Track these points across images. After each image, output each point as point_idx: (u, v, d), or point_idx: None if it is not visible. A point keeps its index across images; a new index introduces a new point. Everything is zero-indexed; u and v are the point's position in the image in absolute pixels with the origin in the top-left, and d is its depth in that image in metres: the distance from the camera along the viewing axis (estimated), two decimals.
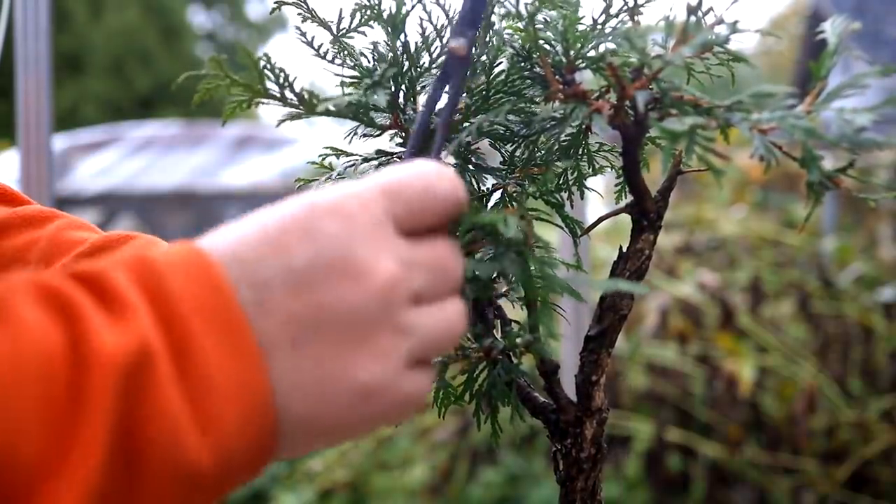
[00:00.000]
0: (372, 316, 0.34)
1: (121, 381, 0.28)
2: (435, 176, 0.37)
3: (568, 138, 0.55)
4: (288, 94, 0.45)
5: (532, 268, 0.43)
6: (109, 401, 0.28)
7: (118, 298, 0.30)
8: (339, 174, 0.55)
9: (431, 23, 0.52)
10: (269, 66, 0.44)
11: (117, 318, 0.30)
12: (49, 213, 0.57)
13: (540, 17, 0.48)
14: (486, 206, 0.54)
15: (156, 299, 0.31)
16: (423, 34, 0.52)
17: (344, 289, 0.33)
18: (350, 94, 0.47)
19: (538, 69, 0.51)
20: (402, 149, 0.53)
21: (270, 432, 0.32)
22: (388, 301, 0.34)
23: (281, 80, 0.45)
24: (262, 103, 0.47)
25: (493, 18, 0.51)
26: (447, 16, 0.53)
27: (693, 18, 0.46)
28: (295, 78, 0.45)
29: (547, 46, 0.49)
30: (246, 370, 0.31)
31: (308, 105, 0.45)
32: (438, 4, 0.52)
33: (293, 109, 0.47)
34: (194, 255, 0.32)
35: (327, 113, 0.47)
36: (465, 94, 0.52)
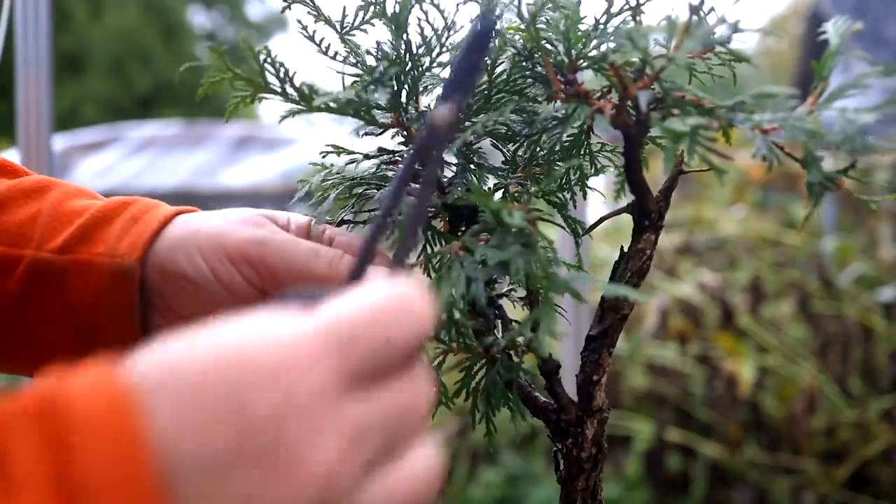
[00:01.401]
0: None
1: None
2: (397, 311, 0.31)
3: (570, 138, 0.55)
4: (289, 88, 0.45)
5: (537, 259, 0.43)
6: None
7: (13, 479, 0.26)
8: (338, 172, 0.55)
9: (429, 23, 0.52)
10: (269, 59, 0.44)
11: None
12: (46, 183, 0.56)
13: (542, 17, 0.48)
14: None
15: (61, 477, 0.26)
16: (422, 35, 0.52)
17: (273, 482, 0.28)
18: (351, 90, 0.47)
19: (540, 69, 0.51)
20: (404, 147, 0.53)
21: None
22: (325, 493, 0.29)
23: (282, 75, 0.45)
24: (264, 98, 0.47)
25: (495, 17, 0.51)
26: (444, 19, 0.53)
27: (695, 18, 0.46)
28: (295, 72, 0.45)
29: (549, 46, 0.49)
30: None
31: (307, 99, 0.45)
32: (435, 6, 0.52)
33: (294, 105, 0.47)
34: (119, 415, 0.27)
35: (328, 109, 0.47)
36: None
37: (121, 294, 0.51)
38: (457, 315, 0.48)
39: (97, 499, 0.26)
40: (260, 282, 0.51)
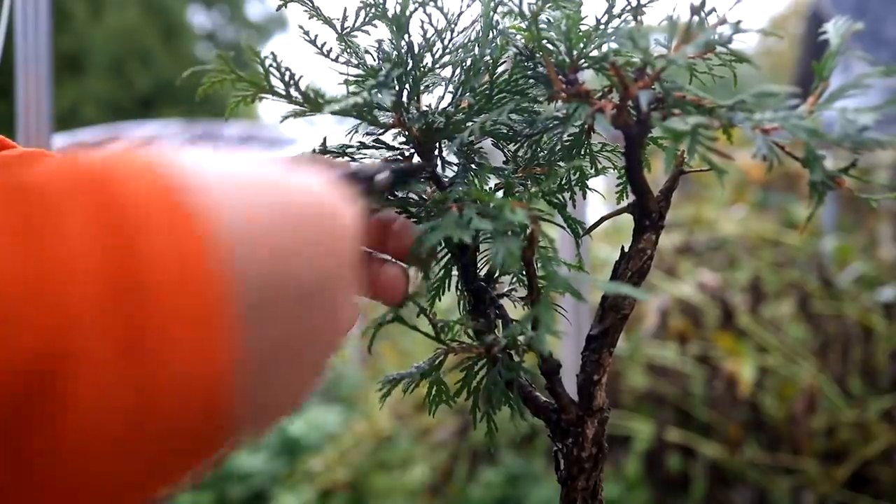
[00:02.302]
0: (331, 346, 0.35)
1: (26, 386, 0.24)
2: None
3: (570, 138, 0.55)
4: (293, 92, 0.45)
5: (515, 247, 0.43)
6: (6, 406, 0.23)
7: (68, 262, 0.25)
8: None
9: (432, 25, 0.52)
10: (274, 63, 0.45)
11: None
12: (35, 153, 0.55)
13: (543, 16, 0.48)
14: None
15: (115, 253, 0.26)
16: (424, 35, 0.52)
17: (331, 331, 0.34)
18: (356, 93, 0.47)
19: (541, 69, 0.51)
20: (405, 147, 0.53)
21: (223, 434, 0.29)
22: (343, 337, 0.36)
23: (286, 79, 0.45)
24: (266, 99, 0.47)
25: (497, 17, 0.51)
26: (447, 19, 0.53)
27: (696, 18, 0.46)
28: (300, 76, 0.45)
29: (550, 46, 0.49)
30: (213, 378, 0.27)
31: (314, 104, 0.45)
32: (438, 8, 0.52)
33: (297, 107, 0.47)
34: (181, 213, 0.27)
35: (333, 112, 0.47)
36: (468, 94, 0.52)
37: None
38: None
39: (159, 297, 0.26)
40: None
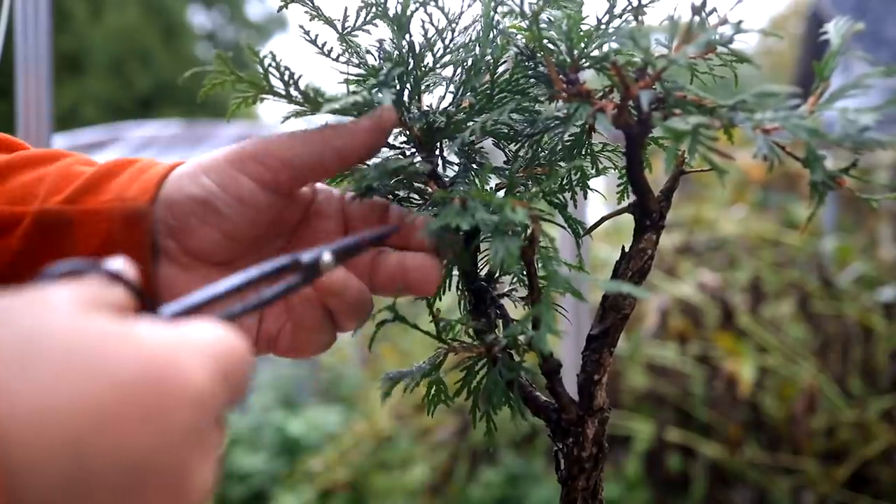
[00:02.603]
0: None
1: None
2: (249, 364, 0.33)
3: (571, 138, 0.55)
4: (293, 91, 0.45)
5: (514, 246, 0.43)
6: None
7: None
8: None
9: (433, 24, 0.52)
10: (274, 63, 0.45)
11: None
12: (56, 153, 0.54)
13: (544, 16, 0.48)
14: None
15: None
16: (425, 34, 0.52)
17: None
18: (355, 92, 0.47)
19: (542, 68, 0.51)
20: (406, 146, 0.53)
21: None
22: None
23: (286, 78, 0.45)
24: (267, 100, 0.47)
25: (497, 17, 0.51)
26: (448, 18, 0.53)
27: (697, 18, 0.46)
28: (300, 76, 0.45)
29: (551, 46, 0.49)
30: None
31: (314, 104, 0.45)
32: (439, 8, 0.52)
33: (297, 107, 0.47)
34: None
35: (334, 111, 0.47)
36: (469, 93, 0.52)
37: (133, 237, 0.48)
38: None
39: None
40: (272, 176, 0.48)
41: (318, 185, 0.54)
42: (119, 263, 0.33)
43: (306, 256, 0.42)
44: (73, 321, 0.27)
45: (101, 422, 0.26)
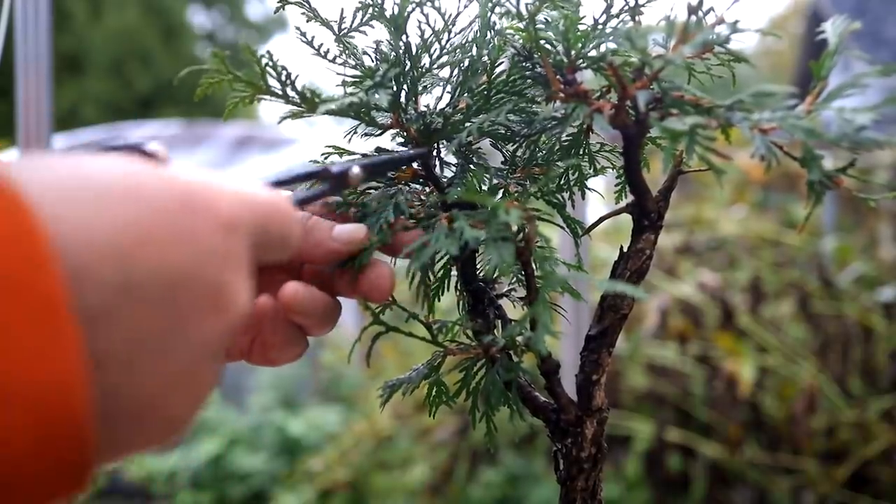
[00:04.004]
0: (216, 337, 0.33)
1: None
2: (289, 218, 0.37)
3: (569, 138, 0.55)
4: (290, 92, 0.45)
5: (508, 253, 0.43)
6: None
7: None
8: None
9: (430, 25, 0.52)
10: (271, 63, 0.45)
11: None
12: None
13: (541, 16, 0.48)
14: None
15: None
16: (422, 36, 0.52)
17: (203, 321, 0.31)
18: (352, 93, 0.47)
19: (539, 69, 0.51)
20: (403, 148, 0.53)
21: (78, 448, 0.27)
22: (234, 327, 0.33)
23: (283, 78, 0.45)
24: (264, 100, 0.47)
25: (494, 18, 0.51)
26: (444, 20, 0.53)
27: (694, 18, 0.46)
28: (297, 76, 0.45)
29: (548, 46, 0.49)
30: (55, 383, 0.26)
31: (310, 104, 0.45)
32: (436, 8, 0.52)
33: (294, 107, 0.47)
34: (11, 211, 0.26)
35: (330, 112, 0.47)
36: (466, 94, 0.52)
37: None
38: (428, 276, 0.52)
39: None
40: None
41: None
42: (155, 145, 0.38)
43: (336, 167, 0.44)
44: (111, 165, 0.30)
45: (140, 239, 0.29)
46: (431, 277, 0.55)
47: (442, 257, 0.55)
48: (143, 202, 0.30)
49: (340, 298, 0.49)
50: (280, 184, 0.43)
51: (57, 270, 0.26)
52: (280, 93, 0.45)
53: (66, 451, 0.26)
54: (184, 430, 0.33)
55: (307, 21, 0.52)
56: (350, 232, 0.46)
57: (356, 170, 0.45)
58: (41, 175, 0.28)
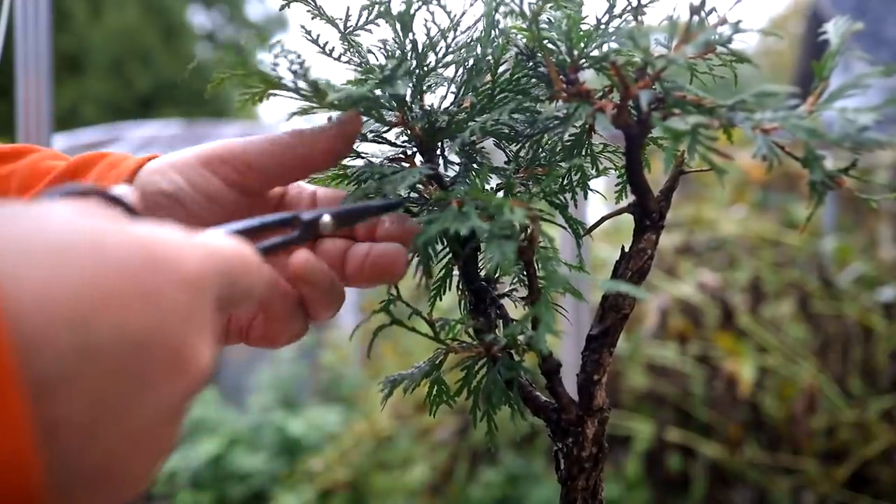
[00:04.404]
0: (179, 398, 0.32)
1: None
2: (255, 268, 0.36)
3: (571, 138, 0.55)
4: (301, 83, 0.45)
5: (510, 251, 0.43)
6: None
7: None
8: (342, 168, 0.55)
9: (436, 24, 0.52)
10: (283, 53, 0.44)
11: None
12: (26, 148, 0.55)
13: (544, 16, 0.48)
14: None
15: None
16: (428, 34, 0.52)
17: (165, 384, 0.30)
18: (360, 83, 0.47)
19: (542, 68, 0.51)
20: (408, 145, 0.54)
21: None
22: (197, 389, 0.32)
23: (295, 69, 0.45)
24: (275, 95, 0.47)
25: (498, 17, 0.51)
26: (450, 18, 0.53)
27: (696, 18, 0.46)
28: (309, 66, 0.45)
29: (551, 46, 0.49)
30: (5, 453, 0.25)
31: (322, 95, 0.45)
32: (441, 7, 0.53)
33: (304, 103, 0.47)
34: None
35: (340, 105, 0.47)
36: (470, 93, 0.52)
37: None
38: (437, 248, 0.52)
39: None
40: (240, 178, 0.50)
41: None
42: (122, 189, 0.36)
43: (307, 215, 0.44)
44: (73, 220, 0.29)
45: (102, 300, 0.28)
46: (432, 273, 0.55)
47: (444, 256, 0.55)
48: (104, 261, 0.28)
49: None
50: (248, 232, 0.41)
51: (6, 339, 0.25)
52: (292, 86, 0.45)
53: None
54: (140, 489, 0.32)
55: (312, 19, 0.52)
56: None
57: (327, 218, 0.45)
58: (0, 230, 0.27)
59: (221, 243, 0.34)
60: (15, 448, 0.25)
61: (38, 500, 0.26)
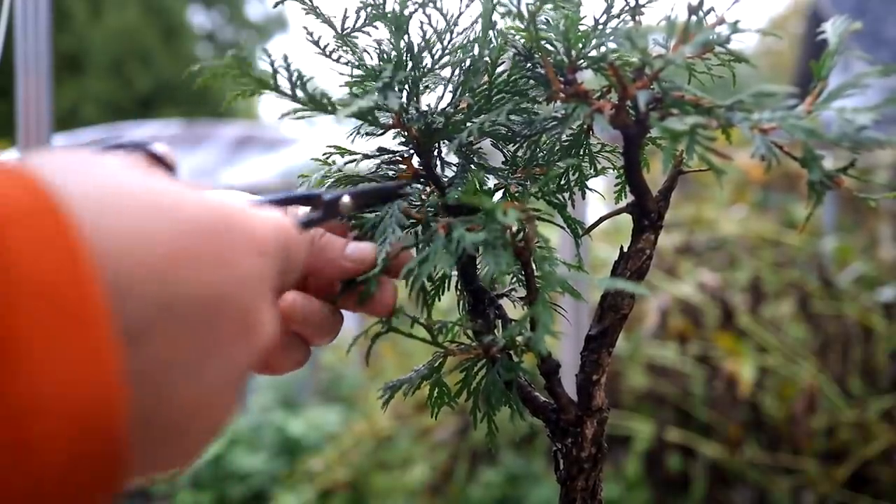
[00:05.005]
0: (244, 363, 0.33)
1: None
2: (303, 243, 0.39)
3: (569, 138, 0.55)
4: (299, 93, 0.45)
5: (505, 260, 0.43)
6: None
7: None
8: (339, 169, 0.55)
9: (432, 25, 0.52)
10: (284, 65, 0.44)
11: None
12: None
13: (542, 17, 0.48)
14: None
15: None
16: (423, 36, 0.52)
17: (235, 345, 0.31)
18: (360, 94, 0.47)
19: (540, 69, 0.51)
20: (404, 147, 0.54)
21: (115, 464, 0.26)
22: (259, 354, 0.33)
23: (294, 79, 0.45)
24: (267, 94, 0.47)
25: (496, 17, 0.51)
26: (446, 20, 0.53)
27: (694, 18, 0.46)
28: (309, 78, 0.45)
29: (549, 46, 0.49)
30: (94, 397, 0.25)
31: (323, 108, 0.45)
32: (437, 8, 0.52)
33: (300, 105, 0.47)
34: (53, 221, 0.25)
35: (347, 116, 0.47)
36: (467, 94, 0.52)
37: None
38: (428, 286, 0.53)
39: (26, 308, 0.24)
40: None
41: None
42: (163, 147, 0.37)
43: (328, 195, 0.45)
44: (148, 178, 0.30)
45: (182, 259, 0.29)
46: (429, 283, 0.55)
47: None
48: (183, 222, 0.29)
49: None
50: (276, 203, 0.43)
51: (99, 285, 0.26)
52: (290, 93, 0.45)
53: (101, 466, 0.26)
54: (202, 454, 0.33)
55: (306, 13, 0.52)
56: (362, 251, 0.47)
57: (346, 199, 0.46)
58: (80, 183, 0.28)
59: (280, 216, 0.36)
60: (105, 389, 0.25)
61: (120, 446, 0.26)
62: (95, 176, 0.28)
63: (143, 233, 0.28)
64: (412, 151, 0.53)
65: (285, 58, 0.44)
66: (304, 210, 0.47)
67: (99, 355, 0.25)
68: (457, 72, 0.53)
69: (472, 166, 0.54)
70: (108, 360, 0.25)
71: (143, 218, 0.28)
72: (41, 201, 0.25)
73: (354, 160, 0.55)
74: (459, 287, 0.54)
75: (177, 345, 0.29)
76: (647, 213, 0.51)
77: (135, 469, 0.28)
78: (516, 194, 0.52)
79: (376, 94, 0.47)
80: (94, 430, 0.25)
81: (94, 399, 0.25)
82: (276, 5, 0.52)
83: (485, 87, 0.52)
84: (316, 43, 0.52)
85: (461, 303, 0.55)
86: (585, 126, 0.54)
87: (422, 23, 0.52)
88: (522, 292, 0.53)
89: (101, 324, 0.25)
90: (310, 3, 0.52)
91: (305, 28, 0.51)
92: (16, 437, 0.23)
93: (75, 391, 0.24)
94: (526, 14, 0.47)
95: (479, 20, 0.52)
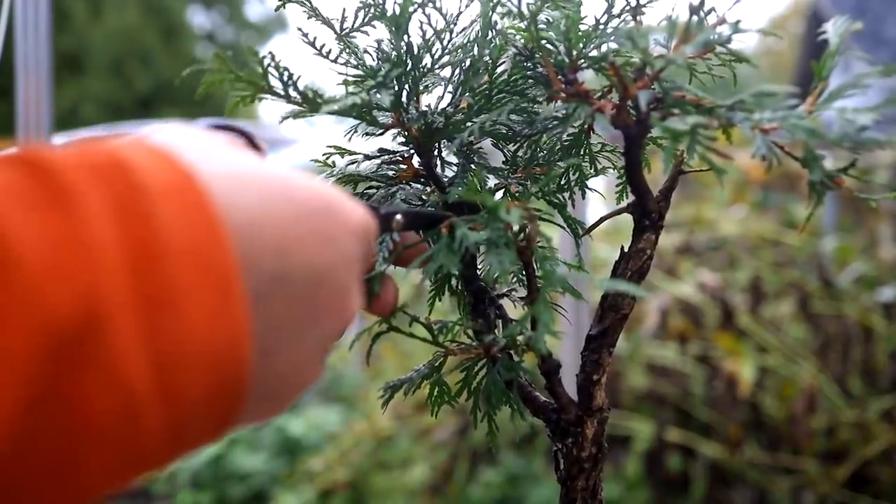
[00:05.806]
0: (333, 336, 0.37)
1: (54, 351, 0.24)
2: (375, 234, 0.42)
3: (570, 138, 0.55)
4: (292, 92, 0.45)
5: (506, 257, 0.43)
6: (36, 367, 0.24)
7: (86, 236, 0.26)
8: (340, 170, 0.55)
9: (431, 25, 0.52)
10: (273, 63, 0.44)
11: (74, 256, 0.25)
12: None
13: (542, 16, 0.48)
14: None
15: (135, 230, 0.27)
16: (423, 36, 0.52)
17: (330, 319, 0.35)
18: (354, 93, 0.47)
19: (540, 69, 0.51)
20: (405, 147, 0.53)
21: (237, 406, 0.30)
22: (345, 331, 0.38)
23: (285, 79, 0.45)
24: (265, 99, 0.47)
25: (496, 17, 0.51)
26: (446, 20, 0.53)
27: (695, 18, 0.46)
28: (299, 77, 0.45)
29: (549, 46, 0.49)
30: (230, 343, 0.29)
31: (312, 104, 0.45)
32: (436, 8, 0.52)
33: (297, 107, 0.47)
34: (191, 192, 0.29)
35: (332, 112, 0.47)
36: (467, 94, 0.52)
37: None
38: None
39: (177, 267, 0.27)
40: None
41: None
42: (249, 126, 0.41)
43: (384, 209, 0.47)
44: (258, 161, 0.34)
45: (296, 238, 0.32)
46: (430, 281, 0.55)
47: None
48: (296, 205, 0.33)
49: None
50: None
51: (233, 248, 0.29)
52: (282, 93, 0.45)
53: (229, 406, 0.30)
54: (283, 413, 0.37)
55: (308, 18, 0.52)
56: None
57: (399, 217, 0.48)
58: (210, 163, 0.31)
59: (364, 208, 0.39)
60: (238, 337, 0.29)
61: (245, 389, 0.30)
62: (221, 156, 0.33)
63: (265, 212, 0.31)
64: (412, 151, 0.53)
65: (272, 56, 0.44)
66: None
67: (232, 307, 0.29)
68: (457, 71, 0.53)
69: (473, 166, 0.54)
70: (240, 313, 0.29)
71: (265, 198, 0.32)
72: (183, 178, 0.29)
73: (355, 161, 0.55)
74: (460, 287, 0.54)
75: (284, 314, 0.33)
76: (647, 213, 0.51)
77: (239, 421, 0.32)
78: (517, 194, 0.52)
79: (365, 91, 0.47)
80: (226, 374, 0.29)
81: (228, 346, 0.29)
82: (277, 9, 0.52)
83: (485, 86, 0.52)
84: (312, 44, 0.52)
85: (461, 303, 0.55)
86: (586, 126, 0.54)
87: (421, 23, 0.52)
88: (523, 292, 0.53)
89: (234, 281, 0.29)
90: (310, 5, 0.52)
91: (300, 30, 0.51)
92: (167, 382, 0.27)
93: (213, 337, 0.28)
94: (527, 14, 0.47)
95: (479, 20, 0.52)
